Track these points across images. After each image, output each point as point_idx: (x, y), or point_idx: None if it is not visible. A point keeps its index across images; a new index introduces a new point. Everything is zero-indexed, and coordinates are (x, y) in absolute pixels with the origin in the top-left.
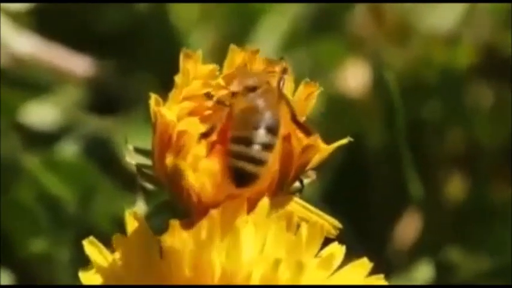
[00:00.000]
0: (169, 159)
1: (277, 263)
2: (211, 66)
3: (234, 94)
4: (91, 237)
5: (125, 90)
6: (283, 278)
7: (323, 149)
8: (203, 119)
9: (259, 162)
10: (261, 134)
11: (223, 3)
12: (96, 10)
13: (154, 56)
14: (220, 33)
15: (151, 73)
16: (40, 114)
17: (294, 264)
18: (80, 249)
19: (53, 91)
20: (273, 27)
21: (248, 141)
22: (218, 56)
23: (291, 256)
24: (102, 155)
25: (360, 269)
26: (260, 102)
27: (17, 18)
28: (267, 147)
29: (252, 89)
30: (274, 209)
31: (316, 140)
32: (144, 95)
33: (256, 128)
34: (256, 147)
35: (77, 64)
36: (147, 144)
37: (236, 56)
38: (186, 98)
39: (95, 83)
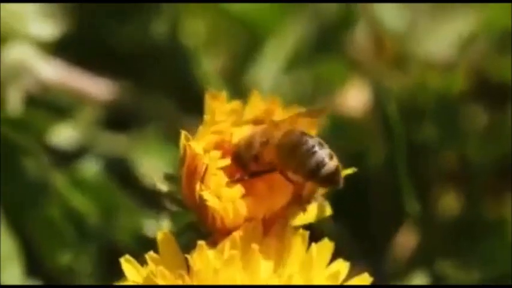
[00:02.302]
0: (198, 188)
1: (290, 278)
2: (235, 104)
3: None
4: (126, 256)
5: (141, 109)
6: None
7: None
8: (226, 153)
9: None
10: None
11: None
12: (111, 32)
13: (168, 77)
14: (227, 54)
15: (165, 93)
16: (63, 135)
17: (305, 279)
18: (102, 261)
19: (74, 113)
20: (277, 48)
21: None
22: (226, 75)
23: (303, 272)
24: (120, 172)
25: (362, 282)
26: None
27: (41, 45)
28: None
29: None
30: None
31: None
32: (158, 114)
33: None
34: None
35: (96, 86)
36: (161, 160)
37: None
38: (213, 133)
39: (112, 103)
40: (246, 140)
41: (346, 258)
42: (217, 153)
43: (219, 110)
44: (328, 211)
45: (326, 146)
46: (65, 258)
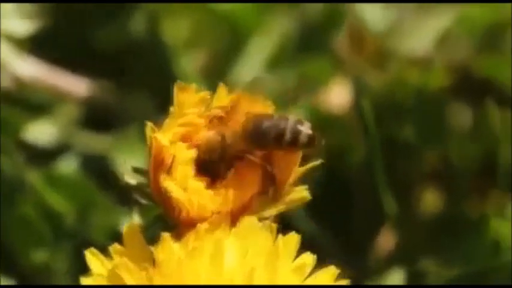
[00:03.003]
0: (162, 179)
1: (253, 270)
2: (203, 94)
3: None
4: (91, 248)
5: (121, 108)
6: (261, 283)
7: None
8: (193, 144)
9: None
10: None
11: (211, 23)
12: (91, 31)
13: (149, 75)
14: (210, 53)
15: (146, 91)
16: (40, 132)
17: (270, 272)
18: (78, 259)
19: (52, 110)
20: (261, 46)
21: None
22: (208, 74)
23: (268, 264)
24: (99, 170)
25: (328, 275)
26: None
27: (18, 42)
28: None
29: None
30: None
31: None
32: (139, 113)
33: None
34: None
35: (75, 84)
36: (141, 160)
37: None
38: (180, 125)
39: (92, 101)
40: (206, 147)
41: (327, 256)
42: (183, 145)
43: (188, 102)
44: (299, 201)
45: (290, 115)
46: (40, 256)
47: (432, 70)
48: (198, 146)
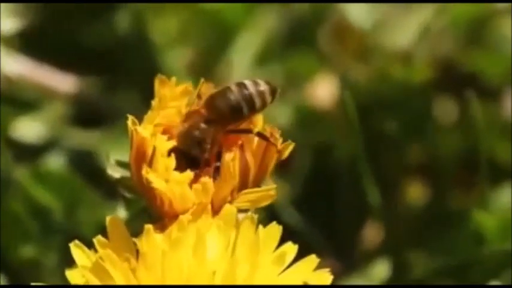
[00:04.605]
0: (144, 171)
1: (235, 262)
2: (184, 86)
3: None
4: (76, 241)
5: (107, 105)
6: (242, 274)
7: (283, 148)
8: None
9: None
10: None
11: (199, 20)
12: (79, 28)
13: (135, 72)
14: (197, 49)
15: (133, 88)
16: (28, 129)
17: (252, 263)
18: (66, 254)
19: (39, 107)
20: (248, 42)
21: None
22: (195, 70)
23: (249, 254)
24: (86, 166)
25: (308, 264)
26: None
27: (5, 40)
28: None
29: None
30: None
31: (276, 140)
32: (125, 110)
33: None
34: None
35: (62, 81)
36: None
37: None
38: (161, 118)
39: (79, 98)
40: (183, 139)
41: (313, 249)
42: (164, 137)
43: (169, 95)
44: (276, 193)
45: (244, 82)
46: (29, 251)
47: (416, 64)
48: (177, 139)
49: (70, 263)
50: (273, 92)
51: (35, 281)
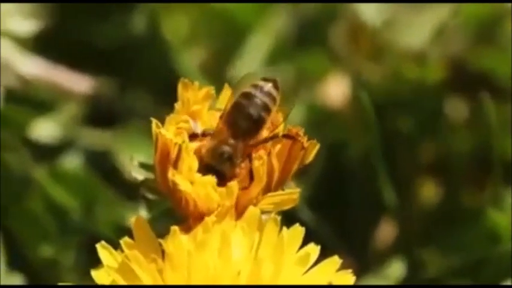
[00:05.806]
0: (170, 174)
1: (261, 262)
2: (206, 90)
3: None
4: (102, 242)
5: (122, 104)
6: (267, 274)
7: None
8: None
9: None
10: None
11: (210, 21)
12: (93, 29)
13: (149, 72)
14: (209, 50)
15: (147, 88)
16: (45, 129)
17: (276, 263)
18: (83, 253)
19: (55, 108)
20: (259, 42)
21: None
22: (207, 70)
23: (273, 255)
24: (101, 165)
25: (332, 265)
26: None
27: (21, 42)
28: None
29: None
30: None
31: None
32: (140, 109)
33: None
34: None
35: (77, 82)
36: (144, 154)
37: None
38: (184, 121)
39: (94, 98)
40: (210, 155)
41: (328, 248)
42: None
43: (192, 99)
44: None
45: (247, 91)
46: (47, 251)
47: (429, 64)
48: (206, 155)
49: (87, 262)
50: (275, 85)
51: (53, 279)
